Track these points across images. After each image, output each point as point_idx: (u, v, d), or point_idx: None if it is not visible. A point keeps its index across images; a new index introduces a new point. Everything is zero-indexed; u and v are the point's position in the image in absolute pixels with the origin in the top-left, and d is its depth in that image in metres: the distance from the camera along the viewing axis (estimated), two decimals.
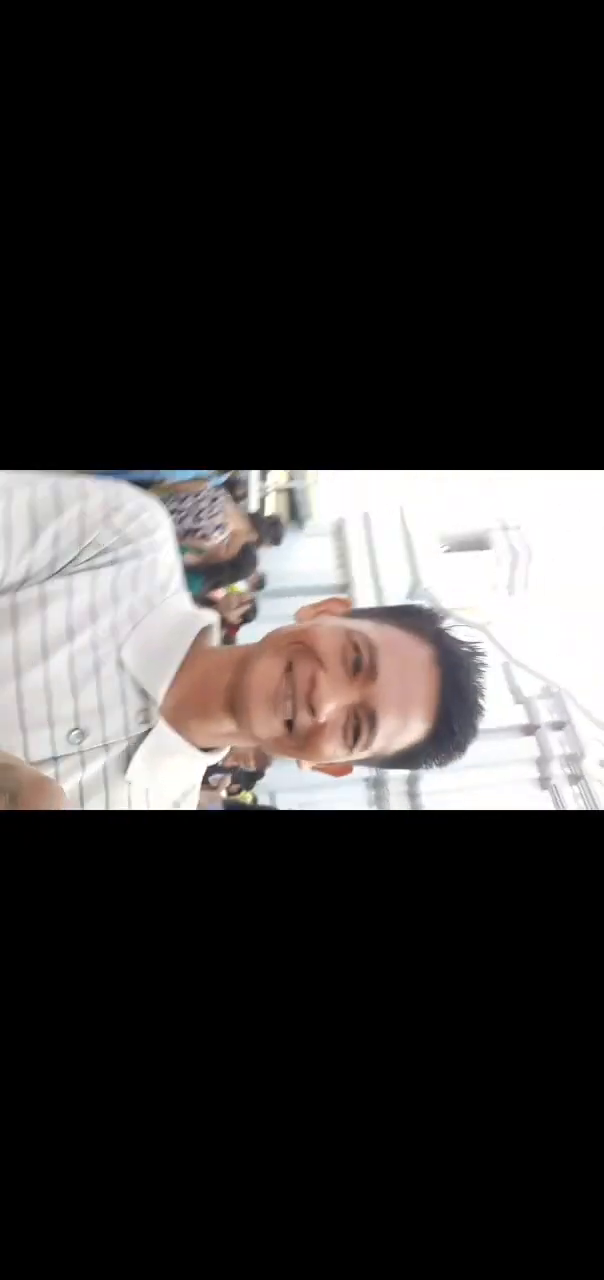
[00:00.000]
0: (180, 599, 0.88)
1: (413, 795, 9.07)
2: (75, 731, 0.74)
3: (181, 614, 0.85)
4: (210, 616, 0.88)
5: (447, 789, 8.60)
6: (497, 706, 9.35)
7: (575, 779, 9.32)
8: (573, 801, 9.13)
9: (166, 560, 0.85)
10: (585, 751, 9.45)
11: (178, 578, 0.88)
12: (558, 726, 9.46)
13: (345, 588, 9.44)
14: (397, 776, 9.04)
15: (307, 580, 9.19)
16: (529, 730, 9.54)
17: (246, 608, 4.63)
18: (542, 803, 9.09)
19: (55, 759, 0.74)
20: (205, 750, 0.83)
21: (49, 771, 0.72)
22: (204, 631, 0.86)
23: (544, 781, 9.38)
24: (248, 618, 4.72)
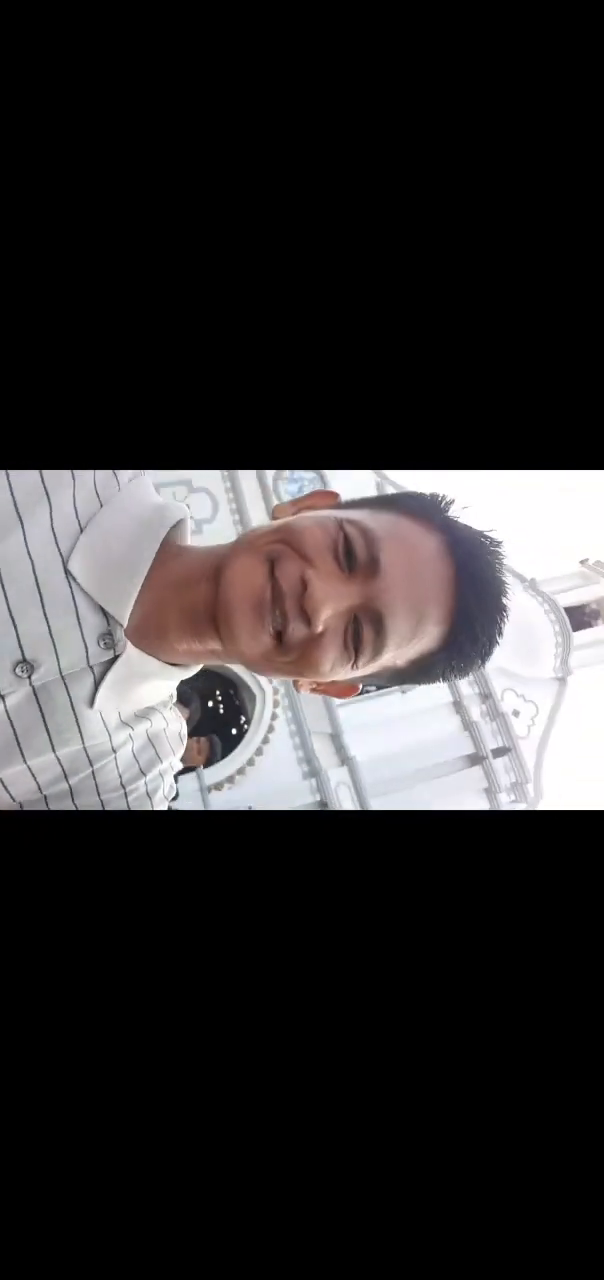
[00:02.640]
0: (140, 486, 0.72)
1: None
2: (21, 664, 0.61)
3: (144, 506, 0.70)
4: (180, 510, 0.72)
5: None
6: None
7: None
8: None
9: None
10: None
11: (142, 483, 0.73)
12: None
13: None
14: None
15: None
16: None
17: None
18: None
19: (1, 695, 0.61)
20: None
21: None
22: (174, 528, 0.71)
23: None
24: None
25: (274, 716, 8.85)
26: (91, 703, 0.65)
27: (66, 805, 0.69)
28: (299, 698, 8.64)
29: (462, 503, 0.71)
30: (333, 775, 8.58)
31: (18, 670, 0.61)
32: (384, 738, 8.93)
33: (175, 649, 0.69)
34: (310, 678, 0.68)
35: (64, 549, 0.63)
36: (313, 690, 0.73)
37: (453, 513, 0.71)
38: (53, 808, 0.68)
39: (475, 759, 9.31)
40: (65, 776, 0.68)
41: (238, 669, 8.07)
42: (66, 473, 0.65)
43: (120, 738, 0.71)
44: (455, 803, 8.72)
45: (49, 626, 0.62)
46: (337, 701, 8.25)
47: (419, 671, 0.70)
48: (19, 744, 0.63)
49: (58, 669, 0.63)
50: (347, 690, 0.75)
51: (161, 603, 0.67)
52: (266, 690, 8.87)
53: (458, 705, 9.48)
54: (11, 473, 0.62)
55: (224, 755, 8.26)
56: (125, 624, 0.65)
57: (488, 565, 0.68)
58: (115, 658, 0.66)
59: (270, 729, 8.80)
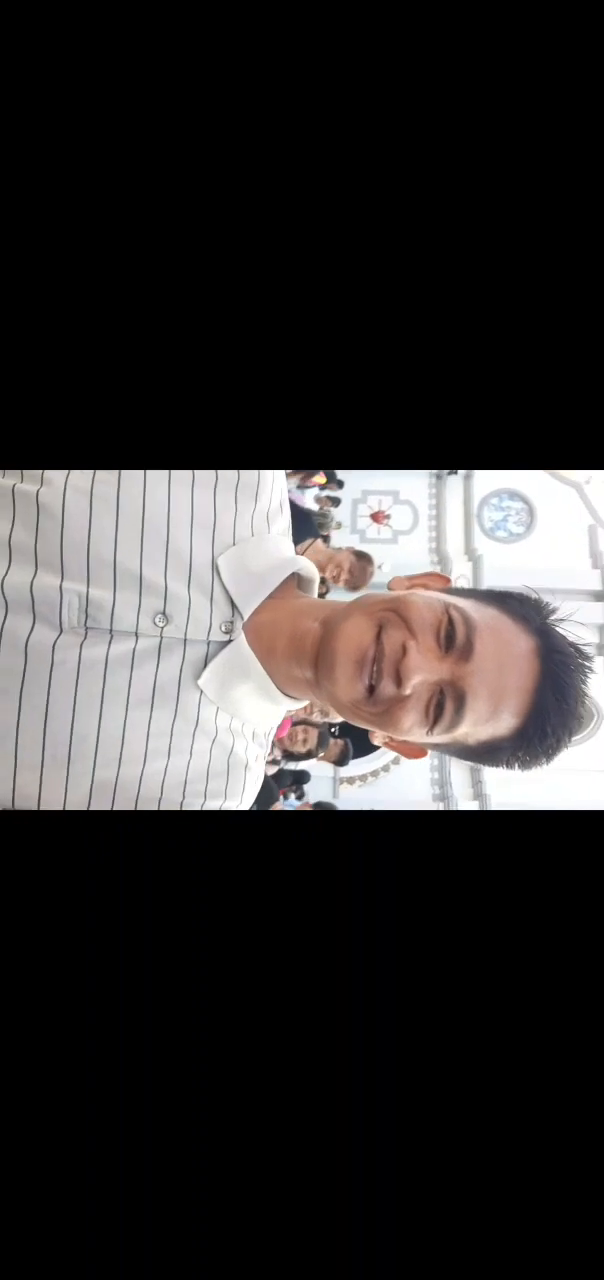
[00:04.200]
0: (284, 540, 0.86)
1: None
2: (160, 615, 0.73)
3: (282, 550, 0.84)
4: (311, 569, 0.85)
5: None
6: (575, 567, 9.16)
7: None
8: None
9: (273, 488, 0.84)
10: None
11: (285, 520, 0.88)
12: None
13: None
14: None
15: None
16: (600, 597, 9.14)
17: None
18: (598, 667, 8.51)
19: (137, 635, 0.73)
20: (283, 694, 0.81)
21: (127, 645, 0.72)
22: (302, 579, 0.85)
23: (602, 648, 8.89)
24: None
25: None
26: (198, 675, 0.76)
27: (131, 790, 0.75)
28: None
29: (565, 611, 0.78)
30: (462, 806, 8.42)
31: (156, 619, 0.74)
32: (525, 790, 8.55)
33: (278, 667, 0.79)
34: (389, 732, 0.77)
35: (217, 552, 0.78)
36: (385, 744, 0.83)
37: (555, 618, 0.78)
38: (120, 784, 0.75)
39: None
40: (146, 747, 0.75)
41: None
42: (232, 501, 0.80)
43: (202, 744, 0.79)
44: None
45: (189, 596, 0.76)
46: None
47: (486, 753, 0.77)
48: (130, 689, 0.73)
49: (184, 630, 0.75)
50: (416, 752, 0.83)
51: (278, 623, 0.79)
52: None
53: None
54: (195, 483, 0.77)
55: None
56: (246, 618, 0.77)
57: (572, 675, 0.74)
58: (229, 642, 0.77)
59: None
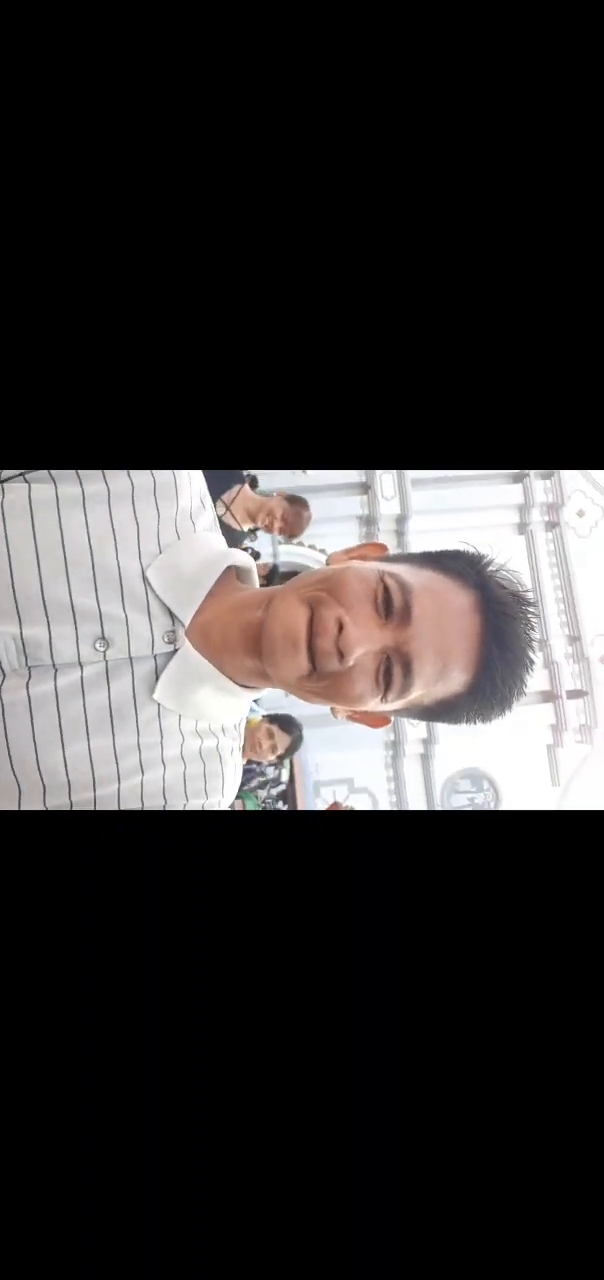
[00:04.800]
0: (213, 536, 0.85)
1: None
2: (100, 639, 0.72)
3: (213, 547, 0.83)
4: (246, 559, 0.85)
5: (432, 529, 8.64)
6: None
7: (552, 526, 9.44)
8: (544, 547, 9.30)
9: (192, 485, 0.83)
10: (565, 500, 9.49)
11: (209, 515, 0.86)
12: (546, 475, 9.40)
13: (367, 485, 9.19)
14: None
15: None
16: (518, 479, 9.53)
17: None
18: (517, 547, 9.11)
19: (80, 665, 0.72)
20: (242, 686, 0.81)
21: (73, 676, 0.71)
22: (238, 571, 0.84)
23: (522, 527, 9.40)
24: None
25: None
26: (152, 690, 0.76)
27: (111, 805, 0.74)
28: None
29: (502, 558, 0.79)
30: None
31: (97, 645, 0.73)
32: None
33: (233, 661, 0.79)
34: (343, 704, 0.78)
35: (145, 563, 0.76)
36: (349, 718, 0.83)
37: (493, 569, 0.79)
38: (99, 804, 0.74)
39: (549, 696, 9.15)
40: (117, 769, 0.74)
41: None
42: (153, 508, 0.78)
43: (172, 752, 0.78)
44: (519, 735, 8.67)
45: (125, 615, 0.74)
46: None
47: (445, 711, 0.79)
48: (86, 717, 0.73)
49: (128, 650, 0.74)
50: (379, 721, 0.84)
51: (223, 619, 0.79)
52: None
53: (543, 643, 9.20)
54: (111, 497, 0.75)
55: None
56: (187, 624, 0.77)
57: (513, 623, 0.76)
58: (175, 651, 0.77)
59: None
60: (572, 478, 9.43)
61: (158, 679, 0.76)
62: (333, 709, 0.82)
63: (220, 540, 0.87)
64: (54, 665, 0.71)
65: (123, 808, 0.75)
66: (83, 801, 0.73)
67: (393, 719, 0.85)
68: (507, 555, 0.80)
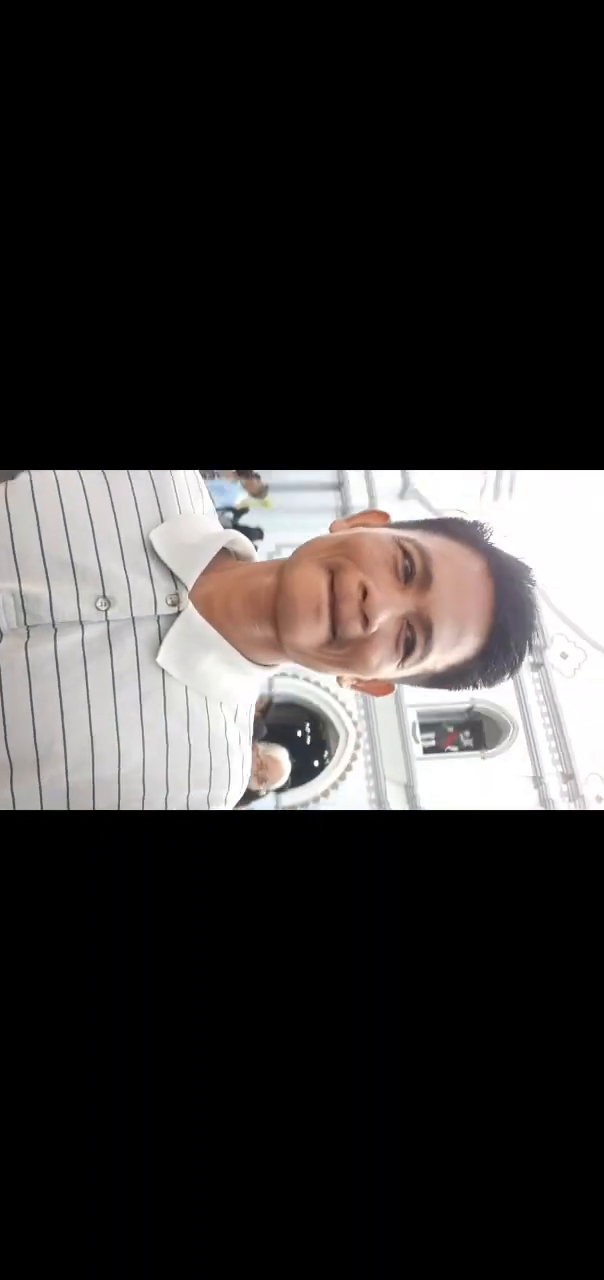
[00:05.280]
0: (212, 519, 0.85)
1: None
2: (101, 598, 0.71)
3: (212, 527, 0.83)
4: (246, 543, 0.84)
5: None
6: None
7: (537, 666, 9.49)
8: (531, 686, 9.38)
9: (187, 477, 0.83)
10: (549, 643, 9.54)
11: (207, 503, 0.87)
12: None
13: (340, 485, 9.27)
14: None
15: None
16: None
17: None
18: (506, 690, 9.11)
19: (81, 624, 0.71)
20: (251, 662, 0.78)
21: (74, 636, 0.69)
22: (237, 555, 0.83)
23: None
24: None
25: (354, 758, 9.11)
26: (156, 654, 0.73)
27: (111, 791, 0.71)
28: (380, 745, 8.75)
29: (502, 531, 0.80)
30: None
31: (98, 604, 0.71)
32: (457, 797, 8.80)
33: (238, 631, 0.77)
34: (358, 672, 0.77)
35: (145, 529, 0.76)
36: (353, 687, 0.81)
37: (493, 540, 0.80)
38: (97, 787, 0.71)
39: None
40: (117, 744, 0.71)
41: (323, 703, 8.63)
42: (150, 487, 0.79)
43: (176, 728, 0.75)
44: None
45: (126, 576, 0.73)
46: (416, 754, 8.54)
47: (455, 677, 0.79)
48: (87, 684, 0.70)
49: (130, 610, 0.72)
50: (384, 689, 0.83)
51: (226, 589, 0.78)
52: (350, 732, 9.14)
53: (538, 780, 9.25)
54: (108, 477, 0.76)
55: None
56: (189, 588, 0.75)
57: (524, 588, 0.77)
58: (178, 614, 0.75)
59: (348, 768, 9.05)
60: (552, 621, 9.69)
61: (161, 643, 0.74)
62: (340, 678, 0.80)
63: (218, 525, 0.86)
64: (54, 624, 0.70)
65: (123, 792, 0.72)
66: (80, 783, 0.69)
67: (396, 687, 0.84)
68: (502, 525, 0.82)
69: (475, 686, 0.80)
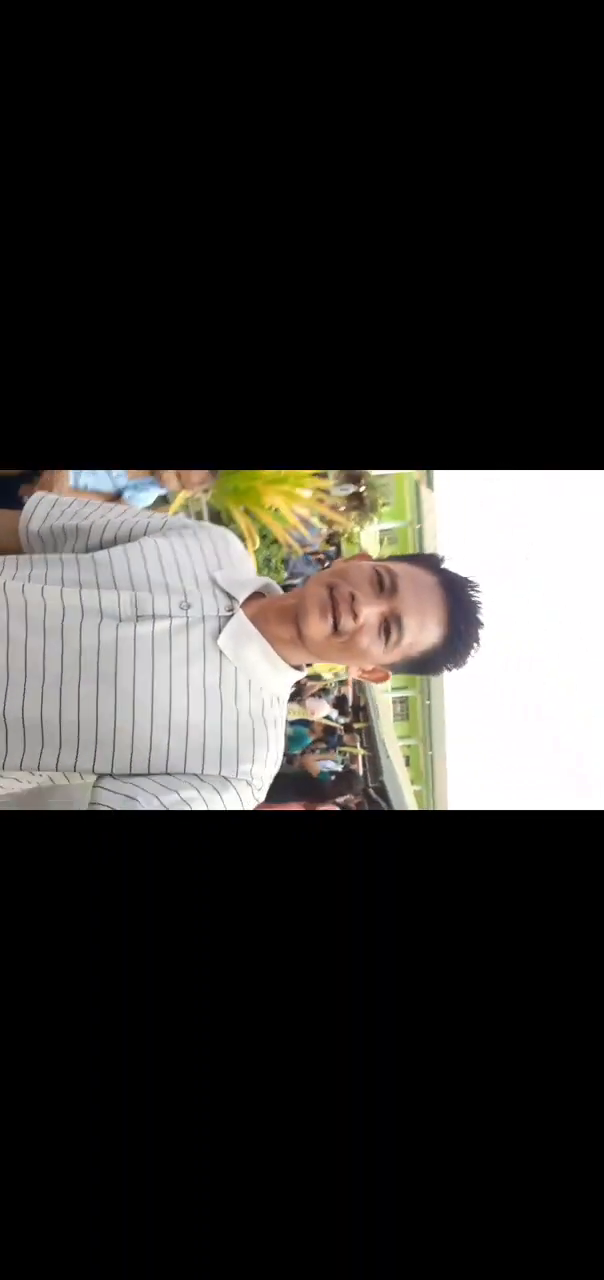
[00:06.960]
0: (253, 570, 1.20)
1: None
2: (183, 601, 1.05)
3: (253, 573, 1.20)
4: (276, 587, 1.18)
5: None
6: None
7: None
8: None
9: (240, 548, 1.20)
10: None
11: (252, 568, 1.21)
12: None
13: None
14: None
15: None
16: None
17: None
18: None
19: (170, 617, 1.03)
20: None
21: (164, 624, 1.02)
22: (269, 595, 1.17)
23: None
24: None
25: None
26: (217, 639, 1.05)
27: (179, 751, 0.98)
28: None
29: (449, 558, 1.11)
30: None
31: (181, 605, 1.04)
32: None
33: (273, 634, 1.08)
34: (355, 659, 1.06)
35: (210, 570, 1.11)
36: (359, 677, 1.13)
37: (446, 565, 1.09)
38: (171, 752, 0.97)
39: None
40: (187, 700, 1.00)
41: None
42: (208, 542, 1.15)
43: (229, 697, 1.04)
44: None
45: (200, 591, 1.07)
46: None
47: (429, 661, 1.08)
48: (171, 653, 1.01)
49: (201, 611, 1.05)
50: (382, 676, 1.13)
51: (264, 606, 1.11)
52: None
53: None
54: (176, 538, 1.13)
55: None
56: (240, 602, 1.07)
57: (467, 590, 1.07)
58: (232, 616, 1.07)
59: None
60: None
61: (220, 633, 1.06)
62: (348, 667, 1.09)
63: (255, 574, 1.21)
64: (153, 616, 1.02)
65: (189, 755, 0.97)
66: (159, 744, 0.96)
67: (391, 675, 1.13)
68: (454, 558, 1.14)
69: (448, 669, 1.09)
